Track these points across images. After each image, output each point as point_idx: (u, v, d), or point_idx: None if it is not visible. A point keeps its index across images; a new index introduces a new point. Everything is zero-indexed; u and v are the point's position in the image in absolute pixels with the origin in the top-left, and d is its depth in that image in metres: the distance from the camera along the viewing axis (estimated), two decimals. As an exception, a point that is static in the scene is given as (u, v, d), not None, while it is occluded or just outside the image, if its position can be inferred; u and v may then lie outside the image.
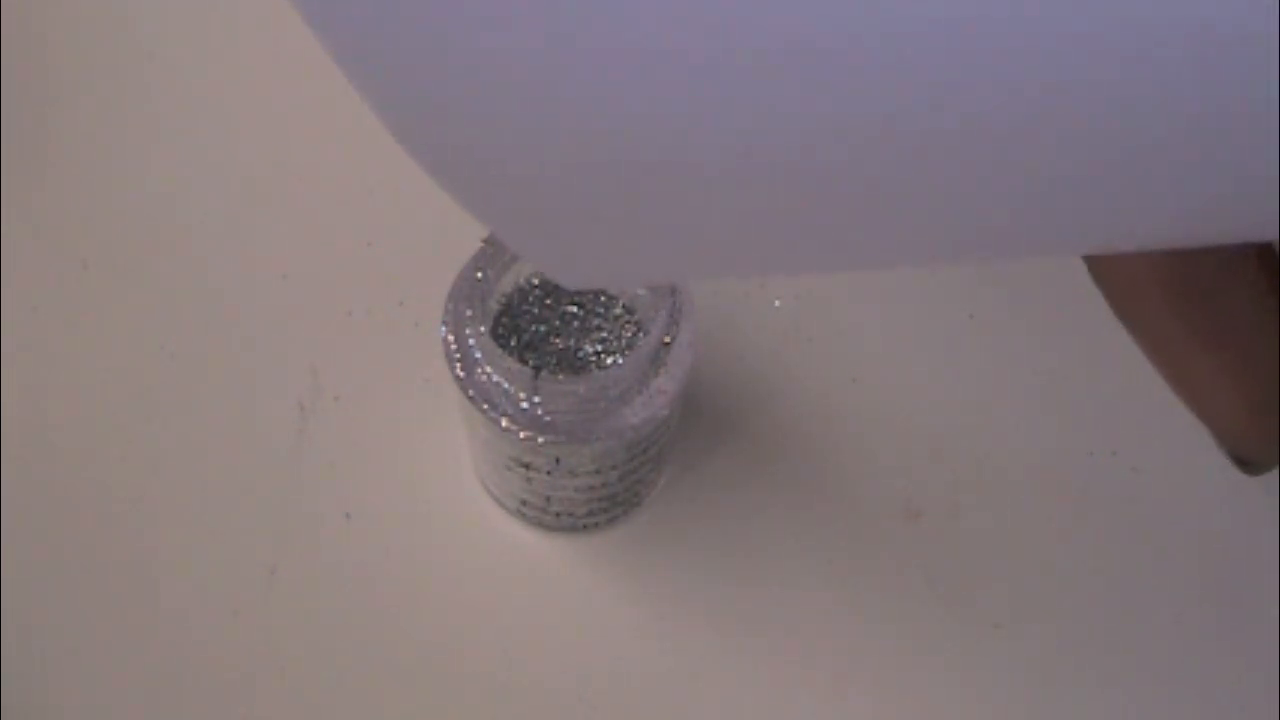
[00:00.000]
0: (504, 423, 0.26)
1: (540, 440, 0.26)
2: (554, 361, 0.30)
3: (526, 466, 0.28)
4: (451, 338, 0.27)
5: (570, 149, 0.10)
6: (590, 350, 0.30)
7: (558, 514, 0.30)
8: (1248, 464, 0.14)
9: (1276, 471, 0.33)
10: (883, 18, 0.08)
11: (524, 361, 0.29)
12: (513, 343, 0.30)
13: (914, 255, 0.12)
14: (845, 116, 0.09)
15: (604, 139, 0.10)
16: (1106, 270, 0.13)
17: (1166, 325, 0.12)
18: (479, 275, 0.27)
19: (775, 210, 0.11)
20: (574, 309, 0.30)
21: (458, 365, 0.27)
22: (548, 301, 0.30)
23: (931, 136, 0.09)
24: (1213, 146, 0.09)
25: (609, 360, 0.30)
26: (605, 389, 0.26)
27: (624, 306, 0.30)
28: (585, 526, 0.31)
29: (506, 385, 0.26)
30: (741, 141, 0.10)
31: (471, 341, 0.26)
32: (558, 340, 0.30)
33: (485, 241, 0.27)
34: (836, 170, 0.10)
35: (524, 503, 0.30)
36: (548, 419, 0.26)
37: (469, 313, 0.26)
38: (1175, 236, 0.11)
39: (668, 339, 0.27)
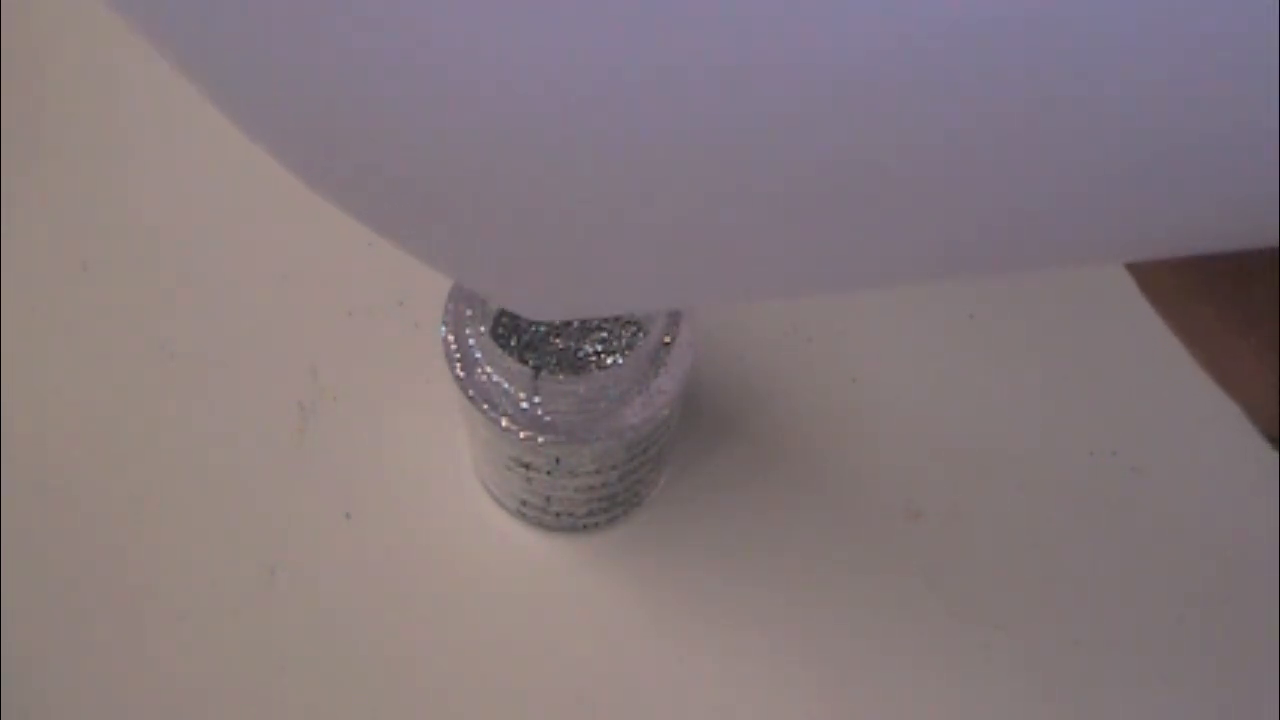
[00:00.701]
0: (504, 423, 0.26)
1: (540, 440, 0.26)
2: (554, 361, 0.30)
3: (527, 466, 0.28)
4: (451, 338, 0.27)
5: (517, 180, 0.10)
6: (590, 350, 0.30)
7: (558, 514, 0.30)
8: None
9: (1276, 472, 0.33)
10: (882, 29, 0.08)
11: (524, 361, 0.29)
12: (513, 343, 0.30)
13: (902, 275, 0.12)
14: (831, 140, 0.09)
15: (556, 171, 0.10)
16: None
17: (1196, 307, 0.12)
18: (479, 275, 0.27)
19: (749, 238, 0.11)
20: (574, 309, 0.30)
21: (458, 365, 0.27)
22: (548, 301, 0.30)
23: (911, 161, 0.09)
24: (1215, 156, 0.08)
25: (609, 360, 0.30)
26: (605, 389, 0.26)
27: (624, 306, 0.30)
28: (585, 526, 0.31)
29: (506, 385, 0.26)
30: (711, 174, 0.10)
31: (471, 341, 0.26)
32: (558, 340, 0.30)
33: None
34: (825, 198, 0.10)
35: (524, 503, 0.30)
36: (548, 419, 0.26)
37: (469, 313, 0.26)
38: (1177, 247, 0.11)
39: (668, 339, 0.27)
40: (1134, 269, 0.13)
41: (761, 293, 0.14)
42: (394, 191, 0.12)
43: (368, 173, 0.11)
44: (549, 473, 0.28)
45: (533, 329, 0.30)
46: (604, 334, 0.30)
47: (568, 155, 0.10)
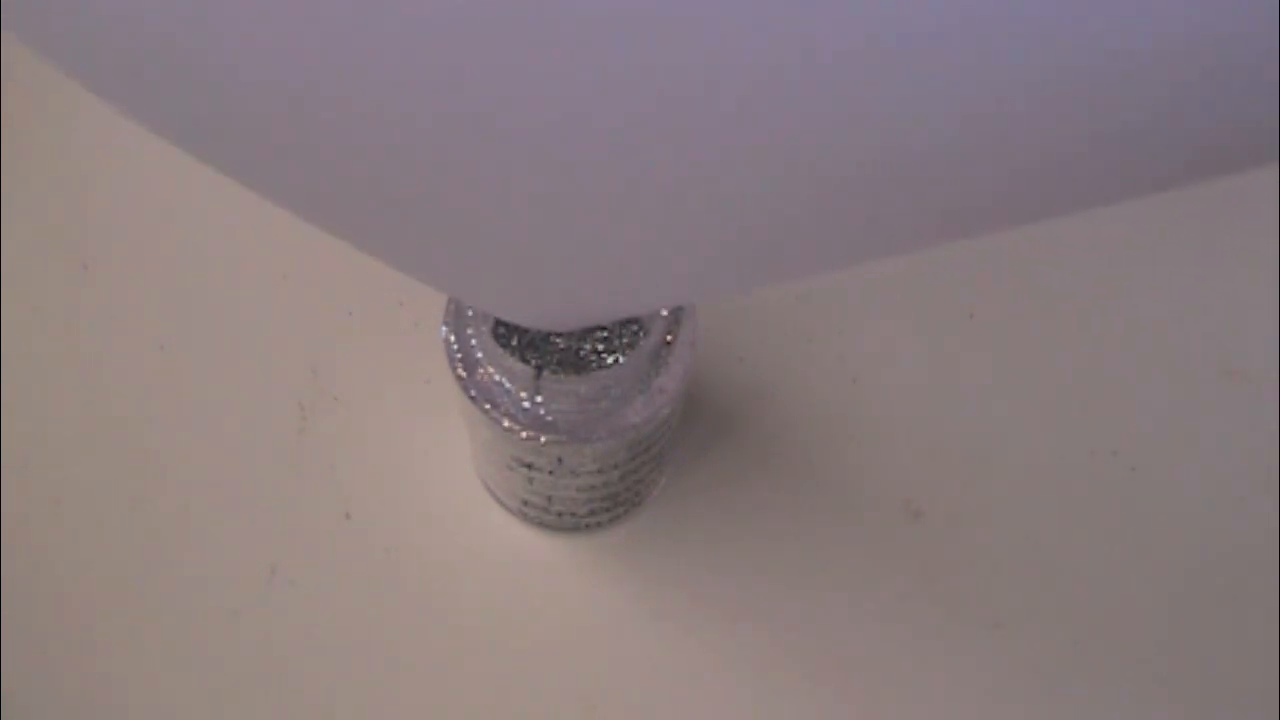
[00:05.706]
0: (505, 422, 0.26)
1: (542, 440, 0.26)
2: (555, 361, 0.30)
3: (528, 466, 0.28)
4: (453, 337, 0.27)
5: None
6: (591, 349, 0.30)
7: (559, 514, 0.30)
8: None
9: (1276, 472, 0.33)
10: None
11: (525, 361, 0.29)
12: (514, 342, 0.30)
13: (914, 240, 0.12)
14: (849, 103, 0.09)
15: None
16: None
17: None
18: (480, 275, 0.27)
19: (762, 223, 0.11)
20: (575, 309, 0.30)
21: (459, 365, 0.27)
22: (549, 301, 0.30)
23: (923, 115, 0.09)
24: (1219, 75, 0.08)
25: (610, 359, 0.30)
26: (607, 388, 0.26)
27: (625, 306, 0.30)
28: (587, 526, 0.31)
29: (508, 385, 0.26)
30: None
31: (473, 341, 0.26)
32: (559, 340, 0.30)
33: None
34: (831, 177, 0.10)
35: (525, 502, 0.30)
36: (549, 418, 0.26)
37: (470, 312, 0.26)
38: (1175, 178, 0.10)
39: (669, 338, 0.27)
40: None
41: (751, 285, 0.14)
42: (382, 209, 0.11)
43: (354, 193, 0.11)
44: (551, 472, 0.28)
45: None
46: (605, 333, 0.30)
47: (553, 166, 0.10)
